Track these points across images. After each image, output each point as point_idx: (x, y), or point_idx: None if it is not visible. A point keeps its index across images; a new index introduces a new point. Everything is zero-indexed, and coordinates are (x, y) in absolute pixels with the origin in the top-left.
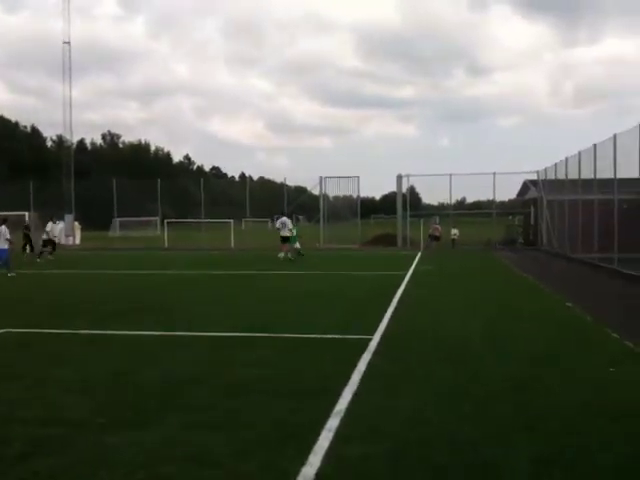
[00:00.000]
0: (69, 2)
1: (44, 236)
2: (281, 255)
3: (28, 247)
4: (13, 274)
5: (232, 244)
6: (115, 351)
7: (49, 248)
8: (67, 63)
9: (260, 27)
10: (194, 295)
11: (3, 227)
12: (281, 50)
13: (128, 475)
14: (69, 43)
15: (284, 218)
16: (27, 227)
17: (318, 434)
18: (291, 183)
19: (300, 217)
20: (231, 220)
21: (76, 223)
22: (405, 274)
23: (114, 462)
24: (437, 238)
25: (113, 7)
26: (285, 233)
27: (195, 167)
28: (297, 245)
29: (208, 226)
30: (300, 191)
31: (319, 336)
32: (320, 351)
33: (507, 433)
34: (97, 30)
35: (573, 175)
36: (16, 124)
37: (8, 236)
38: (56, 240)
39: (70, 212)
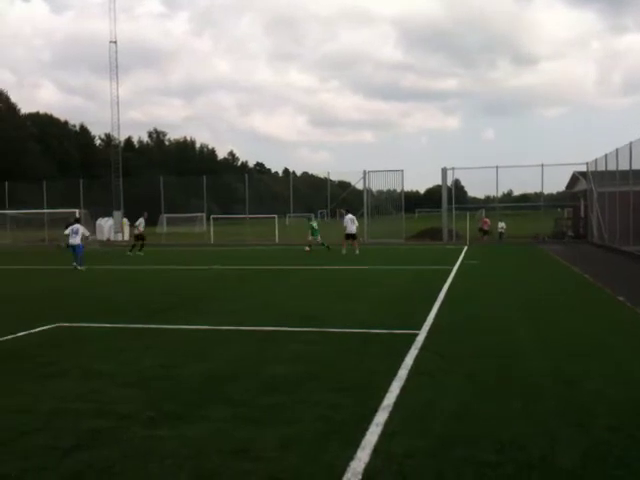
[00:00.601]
0: (115, 2)
1: (135, 231)
2: (344, 251)
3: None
4: (83, 268)
5: (276, 239)
6: (163, 345)
7: (140, 242)
8: (114, 62)
9: (300, 22)
10: (240, 290)
11: (77, 225)
12: (322, 44)
13: (176, 468)
14: (115, 42)
15: (350, 215)
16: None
17: (366, 429)
18: (334, 178)
19: (343, 211)
20: (275, 215)
21: (125, 220)
22: (451, 268)
23: (163, 455)
24: (486, 232)
25: (156, 5)
26: (352, 230)
27: (239, 163)
28: (319, 239)
29: (252, 222)
30: (343, 186)
31: (365, 330)
32: (366, 345)
33: (556, 430)
34: (140, 29)
35: (624, 166)
36: (65, 123)
37: (87, 233)
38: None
39: (119, 209)
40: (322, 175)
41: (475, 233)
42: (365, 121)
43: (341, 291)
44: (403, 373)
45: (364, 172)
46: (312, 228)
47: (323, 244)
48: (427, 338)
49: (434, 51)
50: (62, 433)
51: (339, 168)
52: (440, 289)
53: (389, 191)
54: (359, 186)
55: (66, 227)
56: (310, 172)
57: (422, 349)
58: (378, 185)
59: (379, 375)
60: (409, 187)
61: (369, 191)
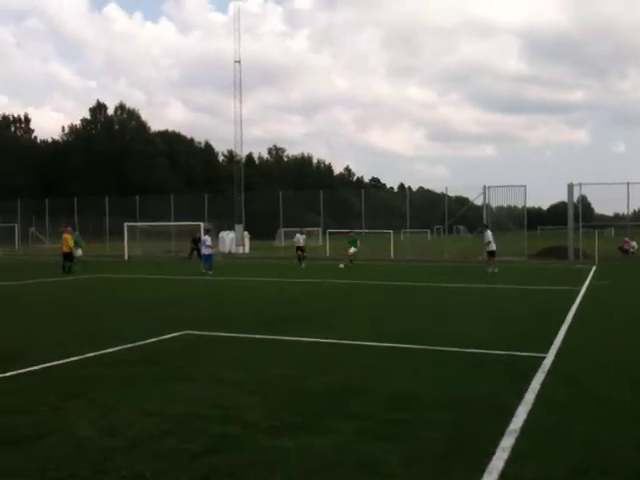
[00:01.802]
0: (239, 23)
1: (297, 243)
2: (490, 270)
3: (195, 254)
4: (210, 273)
5: (391, 254)
6: (285, 356)
7: (301, 254)
8: (238, 81)
9: (419, 36)
10: (357, 304)
11: (207, 236)
12: (441, 57)
13: (302, 479)
14: (239, 62)
15: (489, 232)
16: (196, 239)
17: (492, 452)
18: (452, 193)
19: (461, 227)
20: (390, 231)
21: (245, 233)
22: (579, 289)
23: (288, 465)
24: (626, 251)
25: (278, 24)
26: (492, 247)
27: (355, 178)
28: (352, 250)
29: (368, 236)
30: (461, 201)
31: (487, 351)
32: (489, 367)
33: None
34: (262, 47)
35: None
36: (191, 140)
37: (209, 243)
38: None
39: (240, 222)
40: (439, 190)
41: (605, 252)
42: (485, 135)
43: (462, 310)
44: (530, 397)
45: (484, 187)
46: (353, 243)
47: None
48: (555, 362)
49: (560, 62)
50: (191, 437)
51: (457, 183)
52: (567, 311)
53: (510, 207)
54: (478, 202)
55: (194, 240)
56: (426, 187)
57: (550, 373)
58: (498, 201)
59: (504, 398)
60: (531, 203)
61: (489, 207)
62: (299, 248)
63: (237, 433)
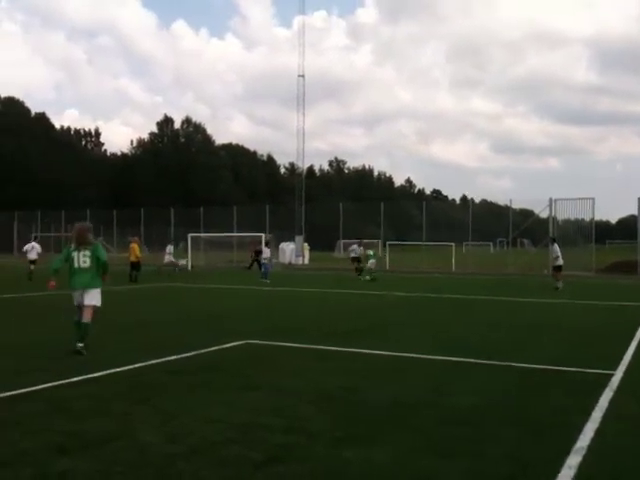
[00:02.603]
0: (304, 38)
1: (352, 254)
2: (559, 285)
3: (255, 265)
4: (267, 281)
5: (453, 268)
6: (346, 367)
7: (358, 265)
8: (301, 95)
9: (484, 48)
10: (417, 317)
11: (266, 248)
12: (507, 69)
13: None
14: (303, 76)
15: (556, 245)
16: (258, 251)
17: (557, 471)
18: (516, 206)
19: (525, 241)
20: (452, 243)
21: (305, 244)
22: None
23: (349, 476)
24: None
25: (342, 38)
26: (560, 262)
27: (416, 190)
28: (370, 264)
29: (428, 249)
30: (525, 214)
31: (554, 367)
32: (556, 383)
33: None
34: (325, 61)
35: None
36: (254, 153)
37: (268, 255)
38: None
39: (300, 234)
40: (502, 202)
41: None
42: (552, 147)
43: (527, 324)
44: (597, 415)
45: (550, 200)
46: (371, 256)
47: (368, 276)
48: (624, 378)
49: (631, 72)
50: (253, 445)
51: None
52: (637, 327)
53: (577, 220)
54: (544, 214)
55: (256, 252)
56: (489, 199)
57: (618, 390)
58: (565, 214)
59: (569, 415)
60: (599, 216)
61: (555, 220)
62: (355, 259)
63: (299, 443)
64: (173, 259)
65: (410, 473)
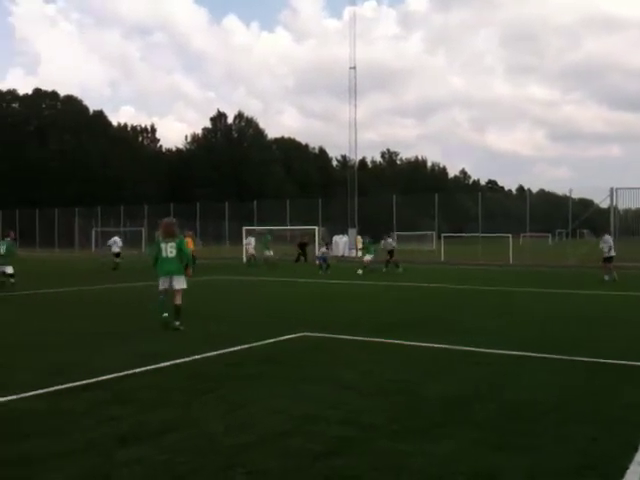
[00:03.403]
0: (355, 29)
1: (389, 247)
2: (608, 277)
3: (302, 258)
4: (328, 272)
5: (510, 259)
6: (403, 360)
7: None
8: (352, 87)
9: (539, 33)
10: (476, 309)
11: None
12: (563, 55)
13: None
14: (354, 68)
15: (607, 236)
16: (304, 243)
17: (625, 467)
18: (575, 195)
19: (585, 231)
20: (509, 235)
21: (359, 237)
22: None
23: (409, 470)
24: None
25: (392, 27)
26: (611, 253)
27: (471, 181)
28: (368, 258)
29: (484, 241)
30: (585, 204)
31: (621, 362)
32: (624, 378)
33: None
34: (375, 51)
35: None
36: (306, 146)
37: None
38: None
39: (353, 227)
40: (561, 192)
41: None
42: (611, 134)
43: (592, 317)
44: None
45: (611, 189)
46: (368, 249)
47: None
48: None
49: None
50: (314, 437)
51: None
52: None
53: (639, 210)
54: (604, 204)
55: (300, 245)
56: (547, 189)
57: None
58: (627, 203)
59: (638, 410)
60: None
61: (616, 210)
62: (390, 252)
63: (358, 436)
64: (266, 252)
65: (472, 467)
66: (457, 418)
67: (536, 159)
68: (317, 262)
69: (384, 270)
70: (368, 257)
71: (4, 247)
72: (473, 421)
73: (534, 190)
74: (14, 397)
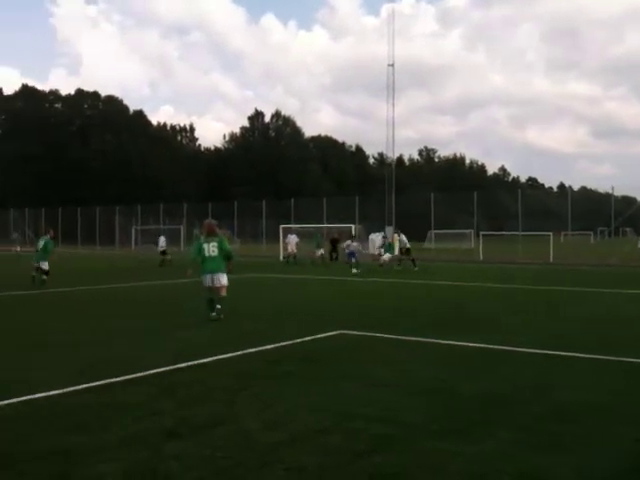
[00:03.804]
0: (394, 26)
1: (407, 245)
2: None
3: (334, 255)
4: (359, 271)
5: (550, 258)
6: (438, 359)
7: (405, 257)
8: (390, 85)
9: (581, 28)
10: (517, 308)
11: (352, 242)
12: (605, 49)
13: None
14: (393, 65)
15: None
16: (335, 239)
17: None
18: (618, 193)
19: (628, 230)
20: (550, 233)
21: (395, 235)
22: None
23: (449, 470)
24: None
25: (431, 24)
26: None
27: (510, 179)
28: (387, 256)
29: (524, 239)
30: (628, 201)
31: None
32: None
33: None
34: (413, 49)
35: None
36: (343, 144)
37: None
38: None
39: (391, 224)
40: (603, 190)
41: None
42: None
43: (632, 318)
44: None
45: None
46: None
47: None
48: None
49: None
50: (353, 435)
51: (623, 182)
52: None
53: None
54: None
55: (332, 241)
56: (589, 187)
57: None
58: None
59: None
60: None
61: None
62: (407, 250)
63: (398, 434)
64: (317, 251)
65: (516, 468)
66: (497, 418)
67: (578, 156)
68: (346, 260)
69: (396, 268)
70: (387, 255)
71: (42, 243)
72: (514, 421)
73: (575, 188)
74: (57, 392)
